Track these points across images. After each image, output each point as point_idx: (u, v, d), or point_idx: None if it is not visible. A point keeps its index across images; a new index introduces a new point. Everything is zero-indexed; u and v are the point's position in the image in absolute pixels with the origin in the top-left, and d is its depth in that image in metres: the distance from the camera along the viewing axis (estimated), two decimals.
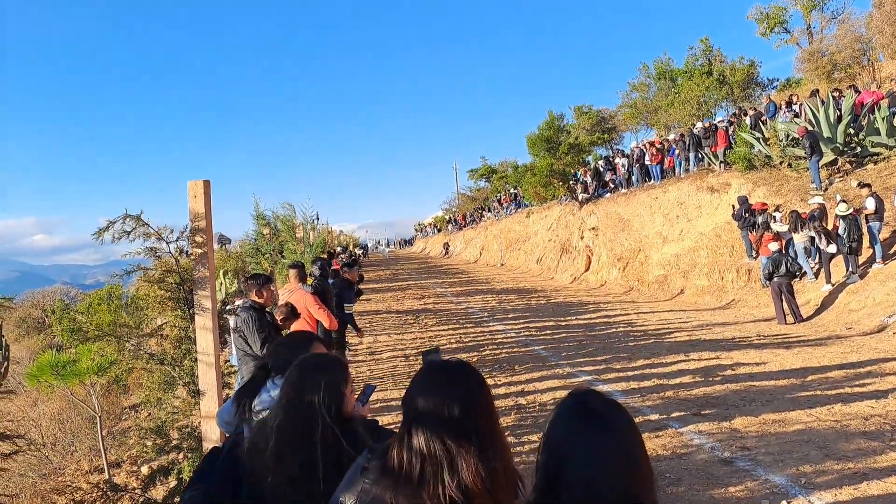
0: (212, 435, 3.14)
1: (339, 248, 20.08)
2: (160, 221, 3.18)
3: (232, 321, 3.99)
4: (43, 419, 10.21)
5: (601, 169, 24.54)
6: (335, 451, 1.58)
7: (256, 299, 4.51)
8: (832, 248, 11.37)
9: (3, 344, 2.43)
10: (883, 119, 13.31)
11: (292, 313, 5.44)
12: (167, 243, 3.25)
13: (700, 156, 18.67)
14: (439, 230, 59.39)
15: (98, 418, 4.24)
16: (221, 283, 9.08)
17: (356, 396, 1.85)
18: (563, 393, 6.99)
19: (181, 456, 3.36)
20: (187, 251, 3.28)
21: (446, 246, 47.14)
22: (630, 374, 7.82)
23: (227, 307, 3.80)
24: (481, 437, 1.30)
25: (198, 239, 3.22)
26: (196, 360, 3.21)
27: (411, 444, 1.30)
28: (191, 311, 3.27)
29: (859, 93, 15.52)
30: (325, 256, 11.32)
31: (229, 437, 2.48)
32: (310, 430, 1.60)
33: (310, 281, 7.21)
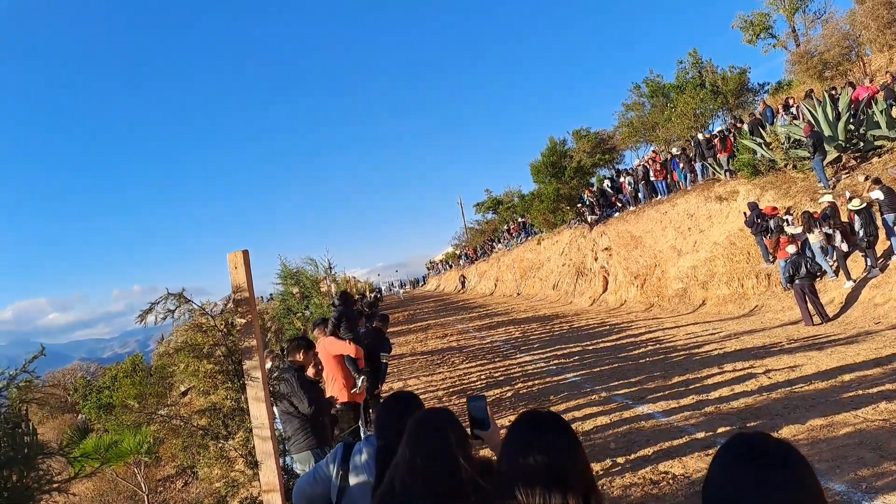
0: None
1: (357, 296, 20.17)
2: (179, 285, 3.29)
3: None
4: (84, 502, 10.22)
5: (607, 189, 24.69)
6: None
7: (299, 359, 4.62)
8: (844, 246, 11.33)
9: (31, 429, 2.45)
10: (882, 112, 13.40)
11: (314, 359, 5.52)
12: (211, 317, 3.34)
13: (704, 166, 18.76)
14: (451, 266, 59.58)
15: (146, 498, 4.26)
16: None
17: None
18: (605, 419, 7.00)
19: None
20: (232, 322, 3.36)
21: (462, 279, 47.27)
22: (667, 392, 7.76)
23: (275, 374, 3.86)
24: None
25: (241, 309, 3.30)
26: (251, 430, 3.26)
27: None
28: (241, 382, 3.33)
29: (855, 88, 15.65)
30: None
31: None
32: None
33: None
